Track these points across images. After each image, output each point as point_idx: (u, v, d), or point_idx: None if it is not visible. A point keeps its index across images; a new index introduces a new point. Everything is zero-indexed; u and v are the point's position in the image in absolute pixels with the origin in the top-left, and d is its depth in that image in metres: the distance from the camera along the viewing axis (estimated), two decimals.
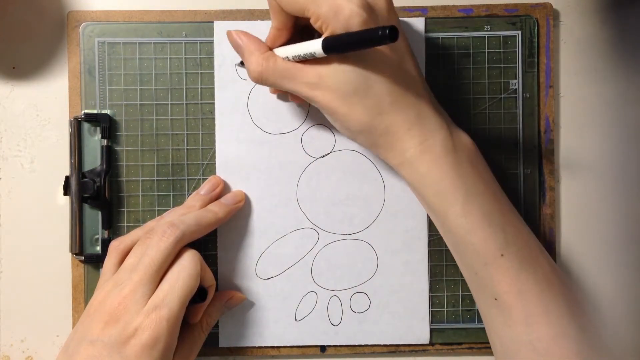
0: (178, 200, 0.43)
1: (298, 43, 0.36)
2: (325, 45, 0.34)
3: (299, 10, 0.35)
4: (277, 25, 0.37)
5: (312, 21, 0.35)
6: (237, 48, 0.38)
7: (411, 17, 0.43)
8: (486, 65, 0.43)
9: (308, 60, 0.36)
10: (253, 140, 0.43)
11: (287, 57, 0.37)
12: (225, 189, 0.42)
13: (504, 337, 0.35)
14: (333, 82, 0.35)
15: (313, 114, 0.43)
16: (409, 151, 0.35)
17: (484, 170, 0.37)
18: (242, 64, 0.40)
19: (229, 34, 0.38)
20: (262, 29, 0.42)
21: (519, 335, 0.34)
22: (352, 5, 0.33)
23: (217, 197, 0.42)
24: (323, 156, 0.43)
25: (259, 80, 0.37)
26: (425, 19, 0.43)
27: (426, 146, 0.35)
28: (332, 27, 0.33)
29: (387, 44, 0.31)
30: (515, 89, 0.43)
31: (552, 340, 0.34)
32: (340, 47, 0.34)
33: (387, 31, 0.30)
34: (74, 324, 0.42)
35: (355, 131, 0.36)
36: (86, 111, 0.42)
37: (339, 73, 0.35)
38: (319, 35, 0.35)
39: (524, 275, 0.34)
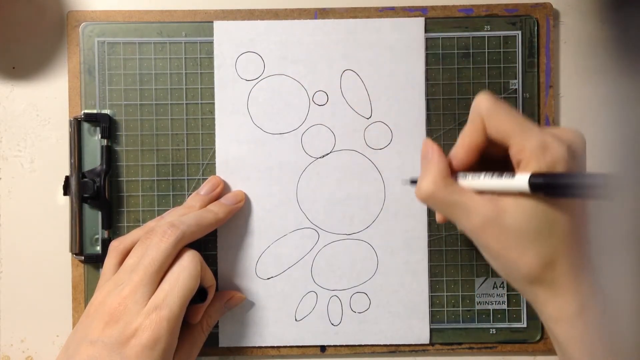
0: (178, 200, 0.43)
1: (486, 173, 0.33)
2: (534, 183, 0.30)
3: (503, 136, 0.32)
4: (470, 144, 0.34)
5: (513, 151, 0.32)
6: (423, 158, 0.35)
7: (411, 17, 0.43)
8: (486, 65, 0.43)
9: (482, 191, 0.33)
10: (253, 140, 0.43)
11: (470, 185, 0.34)
12: (225, 189, 0.42)
13: None
14: (514, 220, 0.32)
15: (313, 114, 0.43)
16: (571, 307, 0.32)
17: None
18: (413, 182, 0.37)
19: (426, 141, 0.36)
20: (262, 29, 0.42)
21: None
22: (561, 148, 0.31)
23: (217, 197, 0.42)
24: (323, 156, 0.43)
25: (427, 199, 0.34)
26: (425, 19, 0.43)
27: (591, 304, 0.32)
28: (535, 164, 0.31)
29: (605, 199, 0.28)
30: (515, 89, 0.43)
31: None
32: (556, 189, 0.30)
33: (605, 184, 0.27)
34: (74, 324, 0.42)
35: (518, 279, 0.33)
36: (86, 111, 0.42)
37: (525, 210, 0.32)
38: (503, 168, 0.32)
39: None
